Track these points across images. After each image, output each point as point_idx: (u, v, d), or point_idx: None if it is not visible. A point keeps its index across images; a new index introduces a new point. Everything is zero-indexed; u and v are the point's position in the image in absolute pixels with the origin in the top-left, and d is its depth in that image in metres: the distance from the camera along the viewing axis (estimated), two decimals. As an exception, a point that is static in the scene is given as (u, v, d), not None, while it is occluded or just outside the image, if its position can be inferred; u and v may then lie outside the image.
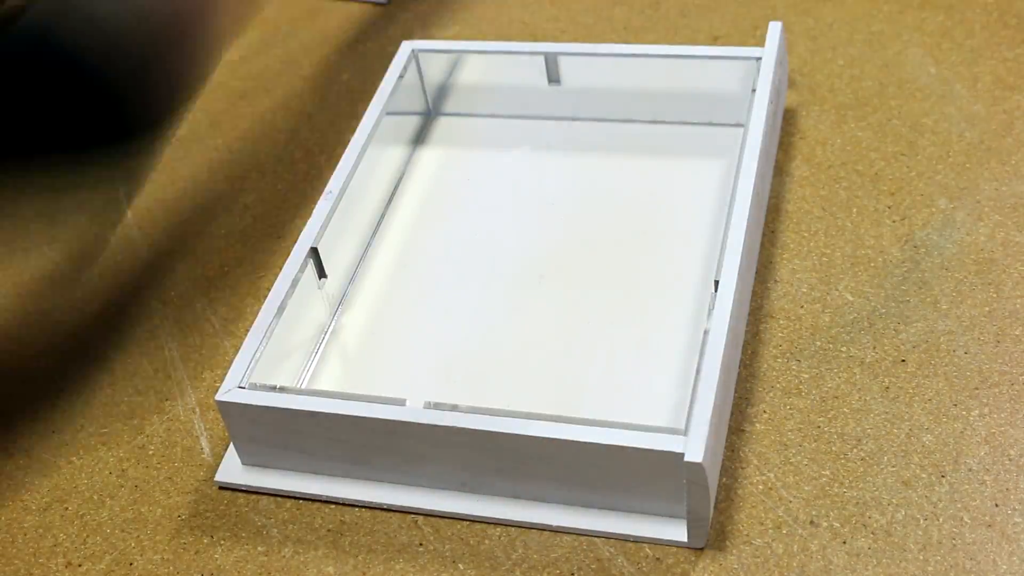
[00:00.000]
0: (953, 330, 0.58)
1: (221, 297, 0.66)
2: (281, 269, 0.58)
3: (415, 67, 0.72)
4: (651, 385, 0.57)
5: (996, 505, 0.51)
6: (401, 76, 0.70)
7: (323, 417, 0.53)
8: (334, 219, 0.62)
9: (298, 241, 0.60)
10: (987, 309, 0.59)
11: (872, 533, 0.51)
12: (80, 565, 0.54)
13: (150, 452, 0.59)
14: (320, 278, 0.61)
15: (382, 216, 0.68)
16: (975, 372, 0.56)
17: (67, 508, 0.57)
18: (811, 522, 0.51)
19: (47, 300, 0.67)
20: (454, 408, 0.52)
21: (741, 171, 0.60)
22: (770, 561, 0.50)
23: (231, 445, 0.57)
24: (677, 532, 0.51)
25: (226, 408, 0.54)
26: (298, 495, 0.55)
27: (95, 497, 0.57)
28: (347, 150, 0.65)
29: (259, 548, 0.54)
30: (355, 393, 0.54)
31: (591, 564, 0.51)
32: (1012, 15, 0.76)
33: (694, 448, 0.48)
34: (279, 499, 0.56)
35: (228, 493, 0.56)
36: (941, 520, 0.51)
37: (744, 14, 0.80)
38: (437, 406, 0.52)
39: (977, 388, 0.55)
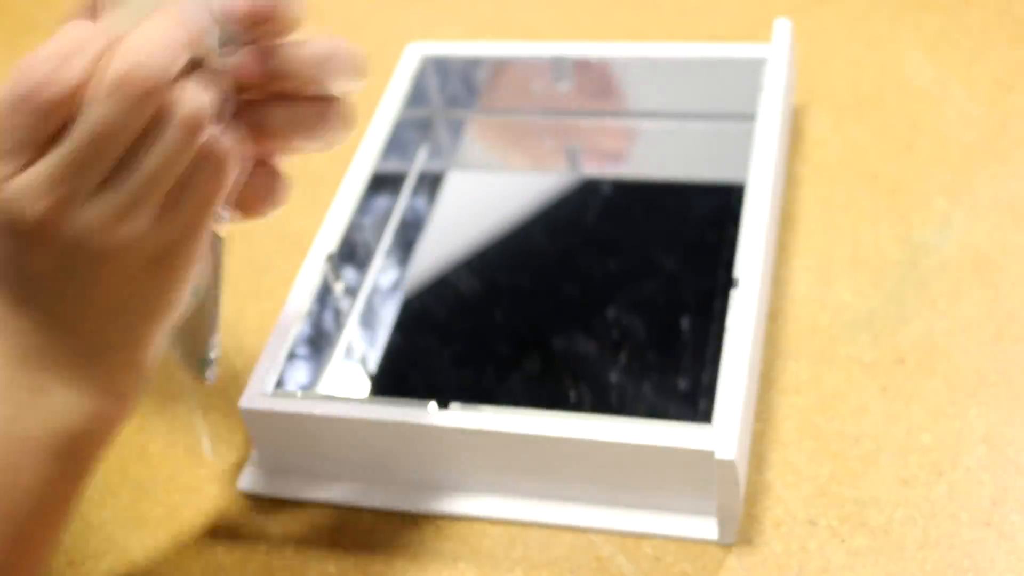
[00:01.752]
0: (951, 330, 0.58)
1: (221, 296, 0.66)
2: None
3: (424, 70, 0.72)
4: (676, 382, 0.57)
5: (994, 504, 0.51)
6: (410, 80, 0.70)
7: (348, 422, 0.53)
8: (349, 224, 0.62)
9: (313, 247, 0.60)
10: (985, 309, 0.59)
11: (871, 532, 0.51)
12: (82, 564, 0.54)
13: (151, 451, 0.59)
14: (336, 283, 0.61)
15: (397, 220, 0.68)
16: (973, 372, 0.56)
17: (69, 507, 0.57)
18: (810, 521, 0.52)
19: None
20: (479, 410, 0.52)
21: (757, 166, 0.59)
22: (769, 560, 0.50)
23: (253, 452, 0.57)
24: (707, 529, 0.51)
25: (250, 415, 0.54)
26: (323, 502, 0.55)
27: (96, 496, 0.57)
28: (358, 154, 0.65)
29: (260, 547, 0.54)
30: (380, 397, 0.53)
31: (591, 563, 0.51)
32: (1010, 17, 0.76)
33: (725, 445, 0.48)
34: (280, 498, 0.56)
35: (228, 491, 0.56)
36: (939, 519, 0.51)
37: (743, 15, 0.80)
38: (462, 408, 0.52)
39: (975, 387, 0.55)
